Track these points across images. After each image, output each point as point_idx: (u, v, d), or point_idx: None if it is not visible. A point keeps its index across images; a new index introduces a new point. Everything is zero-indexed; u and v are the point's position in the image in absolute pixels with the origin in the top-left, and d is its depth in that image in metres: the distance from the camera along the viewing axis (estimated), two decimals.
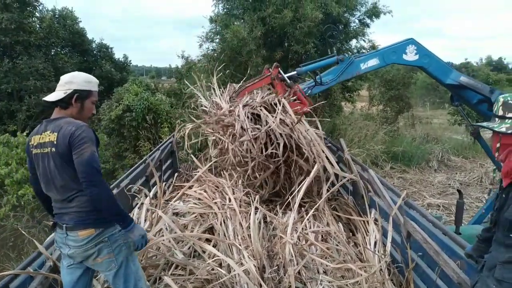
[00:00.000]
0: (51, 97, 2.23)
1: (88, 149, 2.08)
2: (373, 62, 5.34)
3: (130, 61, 21.56)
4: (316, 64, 5.52)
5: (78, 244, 2.16)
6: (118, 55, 21.08)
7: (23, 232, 6.35)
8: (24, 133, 8.72)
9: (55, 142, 2.11)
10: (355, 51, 10.67)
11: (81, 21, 18.49)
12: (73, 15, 18.29)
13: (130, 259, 2.30)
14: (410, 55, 5.21)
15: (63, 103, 2.23)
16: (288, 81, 5.20)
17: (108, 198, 2.12)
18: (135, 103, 9.76)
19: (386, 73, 14.67)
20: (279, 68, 5.14)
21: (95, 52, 19.55)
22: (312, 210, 3.92)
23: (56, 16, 17.77)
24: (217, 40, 10.53)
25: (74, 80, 2.25)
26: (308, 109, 5.07)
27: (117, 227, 2.26)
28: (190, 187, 4.56)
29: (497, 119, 1.90)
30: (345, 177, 4.38)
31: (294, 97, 5.14)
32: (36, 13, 16.48)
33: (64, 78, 2.28)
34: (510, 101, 1.87)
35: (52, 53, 17.15)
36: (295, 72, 5.44)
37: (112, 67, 18.82)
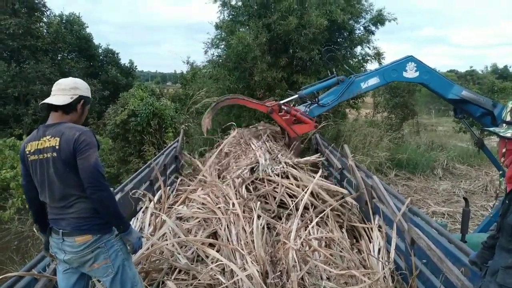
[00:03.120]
0: (57, 101, 2.19)
1: (93, 155, 2.10)
2: (373, 81, 5.40)
3: (136, 66, 21.82)
4: (317, 87, 5.58)
5: (75, 250, 2.14)
6: (123, 60, 21.27)
7: (34, 229, 6.35)
8: None
9: (57, 147, 2.08)
10: (360, 57, 10.69)
11: (87, 27, 18.74)
12: (80, 21, 18.53)
13: (127, 264, 2.29)
14: (411, 72, 5.25)
15: (69, 108, 2.20)
16: (285, 108, 5.36)
17: (114, 202, 2.17)
18: (140, 108, 9.83)
19: None
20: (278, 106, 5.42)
21: (101, 57, 19.75)
22: (317, 218, 3.92)
23: (63, 21, 18.02)
24: (222, 46, 10.59)
25: (78, 86, 2.25)
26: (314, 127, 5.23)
27: (113, 233, 2.25)
28: (192, 191, 4.58)
29: (504, 124, 1.90)
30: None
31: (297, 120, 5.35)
32: (44, 18, 16.72)
33: (66, 83, 2.25)
34: None
35: (59, 58, 17.37)
36: (296, 96, 5.50)
37: (118, 72, 19.02)
